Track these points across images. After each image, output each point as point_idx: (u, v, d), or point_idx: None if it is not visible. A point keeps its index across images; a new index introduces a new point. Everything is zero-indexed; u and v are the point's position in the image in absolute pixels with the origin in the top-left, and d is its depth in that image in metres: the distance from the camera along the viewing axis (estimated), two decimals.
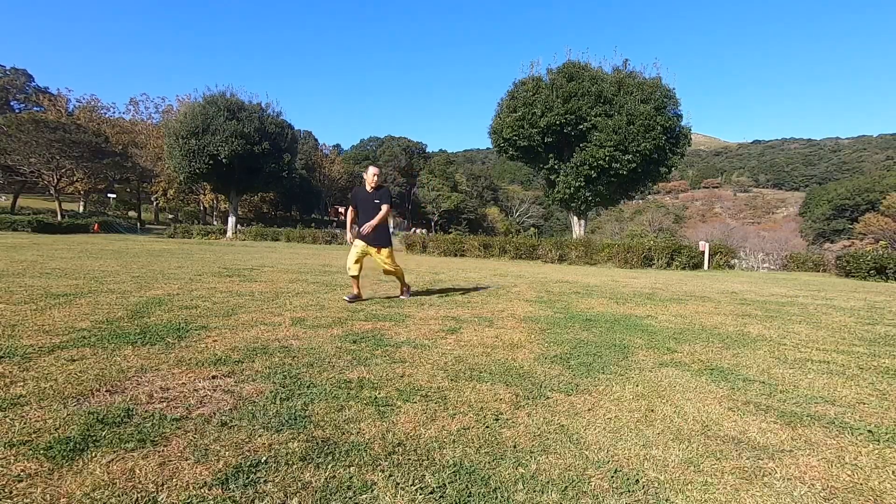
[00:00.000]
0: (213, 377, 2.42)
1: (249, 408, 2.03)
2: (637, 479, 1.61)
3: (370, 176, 5.26)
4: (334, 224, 56.78)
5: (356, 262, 5.15)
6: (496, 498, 1.46)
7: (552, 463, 1.70)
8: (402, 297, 5.62)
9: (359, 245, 5.22)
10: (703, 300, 6.79)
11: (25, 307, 3.93)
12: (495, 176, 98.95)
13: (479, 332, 3.90)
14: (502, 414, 2.13)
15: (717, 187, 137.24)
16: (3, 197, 43.03)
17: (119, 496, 1.35)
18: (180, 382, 2.31)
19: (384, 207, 5.23)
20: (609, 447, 1.85)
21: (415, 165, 77.83)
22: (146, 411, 1.94)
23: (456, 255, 19.80)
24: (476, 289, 7.03)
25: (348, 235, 5.36)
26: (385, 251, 5.30)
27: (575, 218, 24.68)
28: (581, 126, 21.66)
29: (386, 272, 5.44)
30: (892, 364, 3.37)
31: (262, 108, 31.67)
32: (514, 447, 1.81)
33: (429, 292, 6.37)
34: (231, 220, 32.82)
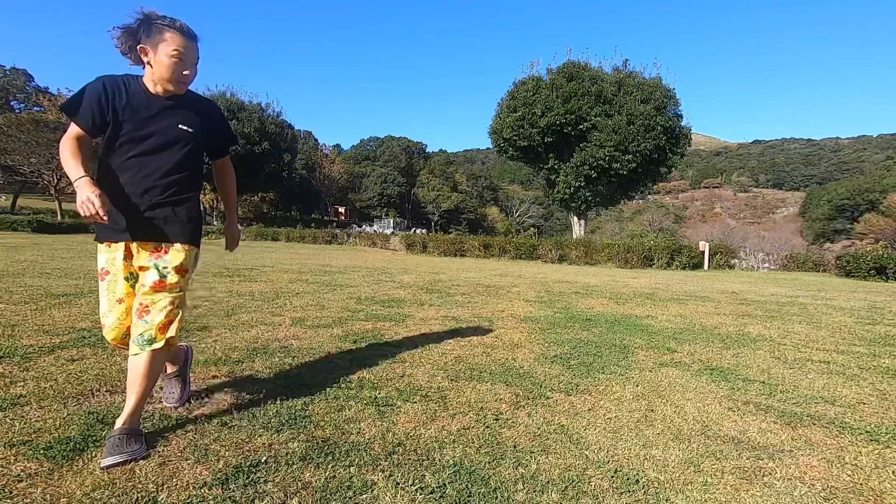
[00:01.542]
0: (214, 377, 2.42)
1: (249, 408, 2.03)
2: (637, 479, 1.61)
3: (181, 46, 1.71)
4: (334, 224, 56.84)
5: (123, 294, 1.78)
6: (496, 498, 1.46)
7: (552, 463, 1.70)
8: (168, 399, 2.05)
9: (118, 247, 1.78)
10: (703, 300, 6.79)
11: (25, 307, 3.93)
12: (495, 176, 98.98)
13: (479, 331, 3.90)
14: (502, 414, 2.13)
15: (717, 187, 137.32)
16: (3, 197, 43.02)
17: (119, 496, 1.35)
18: None
19: (225, 164, 2.16)
20: (609, 447, 1.85)
21: (415, 165, 77.86)
22: (146, 411, 1.94)
23: (456, 255, 19.80)
24: (476, 289, 7.03)
25: (92, 204, 1.54)
26: (184, 254, 1.86)
27: (575, 218, 24.71)
28: (581, 126, 21.69)
29: (140, 310, 1.73)
30: (892, 364, 3.37)
31: (261, 108, 31.73)
32: (514, 447, 1.81)
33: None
34: None
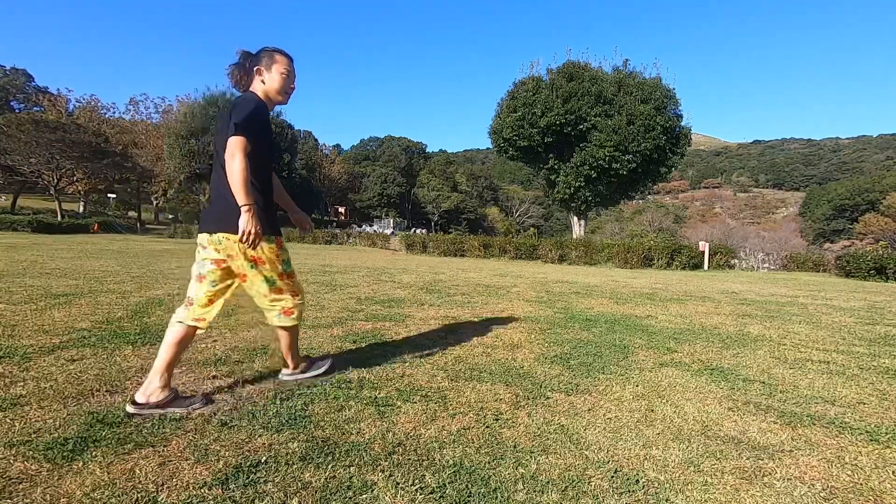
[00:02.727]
0: (214, 377, 2.43)
1: (249, 408, 2.03)
2: (637, 479, 1.61)
3: (288, 65, 2.19)
4: (334, 224, 56.81)
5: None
6: (496, 498, 1.46)
7: (552, 463, 1.70)
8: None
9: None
10: (703, 300, 6.79)
11: (25, 307, 3.93)
12: (495, 176, 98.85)
13: (479, 331, 3.90)
14: (502, 414, 2.13)
15: (717, 187, 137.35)
16: (3, 197, 43.02)
17: (119, 496, 1.35)
18: (180, 382, 2.31)
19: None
20: (609, 447, 1.85)
21: (415, 165, 77.84)
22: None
23: (456, 255, 19.80)
24: (476, 289, 7.03)
25: (256, 238, 1.98)
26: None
27: (575, 218, 24.70)
28: (581, 126, 21.69)
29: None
30: (892, 364, 3.37)
31: None
32: (514, 447, 1.81)
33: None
34: None
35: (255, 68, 2.14)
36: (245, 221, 1.91)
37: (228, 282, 2.17)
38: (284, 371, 2.43)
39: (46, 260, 8.33)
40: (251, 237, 1.93)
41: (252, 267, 2.12)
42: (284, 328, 2.29)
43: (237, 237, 1.95)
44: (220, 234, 2.02)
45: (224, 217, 2.00)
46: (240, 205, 1.90)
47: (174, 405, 1.97)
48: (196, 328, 2.08)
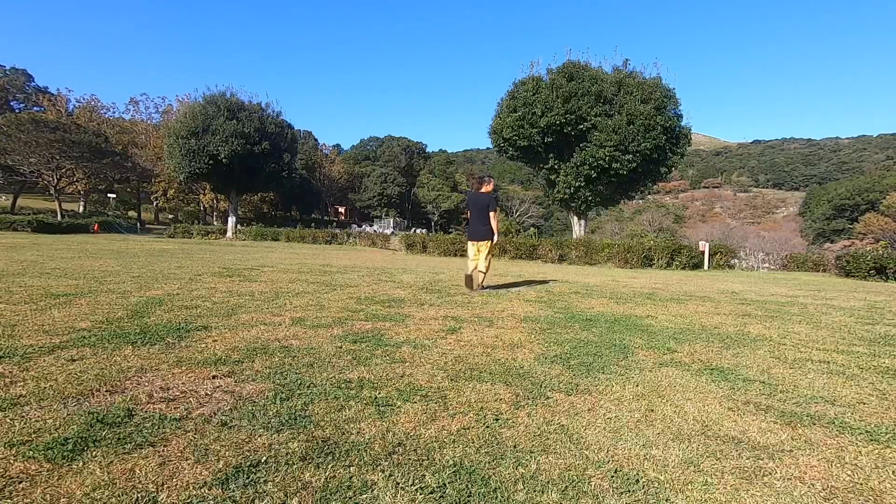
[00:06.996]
0: (213, 377, 2.42)
1: (249, 408, 2.03)
2: (637, 479, 1.61)
3: (494, 183, 6.92)
4: (334, 224, 56.82)
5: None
6: (496, 498, 1.46)
7: (552, 463, 1.70)
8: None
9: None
10: (703, 300, 6.79)
11: (25, 307, 3.93)
12: (495, 176, 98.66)
13: (479, 332, 3.90)
14: (502, 414, 2.13)
15: (717, 187, 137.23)
16: (3, 197, 43.01)
17: (119, 496, 1.35)
18: (180, 382, 2.31)
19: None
20: (609, 447, 1.85)
21: (415, 165, 77.88)
22: (146, 411, 1.94)
23: (456, 255, 19.78)
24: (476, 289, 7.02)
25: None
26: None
27: (575, 218, 24.68)
28: (581, 126, 21.65)
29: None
30: (892, 364, 3.37)
31: (261, 108, 31.67)
32: (514, 447, 1.81)
33: (429, 290, 6.36)
34: (231, 220, 32.84)
35: (484, 183, 6.60)
36: (497, 238, 6.52)
37: (476, 255, 6.47)
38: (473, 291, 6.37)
39: (46, 260, 8.33)
40: (496, 242, 6.51)
41: (485, 248, 6.44)
42: (480, 272, 6.56)
43: (488, 242, 6.42)
44: (481, 241, 6.41)
45: (483, 235, 6.39)
46: (496, 235, 6.49)
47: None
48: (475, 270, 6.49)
